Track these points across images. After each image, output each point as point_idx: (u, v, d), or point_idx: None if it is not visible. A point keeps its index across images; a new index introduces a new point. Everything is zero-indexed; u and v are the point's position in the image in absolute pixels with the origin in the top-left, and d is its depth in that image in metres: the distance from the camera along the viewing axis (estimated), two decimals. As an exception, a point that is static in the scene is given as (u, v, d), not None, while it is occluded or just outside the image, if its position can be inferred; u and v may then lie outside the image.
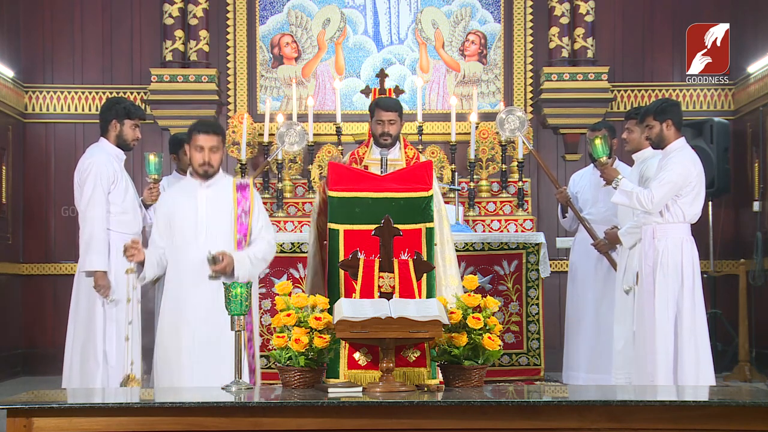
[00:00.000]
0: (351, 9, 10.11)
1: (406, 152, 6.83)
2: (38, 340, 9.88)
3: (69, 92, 10.07)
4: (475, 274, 6.30)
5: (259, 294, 7.09)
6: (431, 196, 5.74)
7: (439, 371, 4.87)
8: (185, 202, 5.59)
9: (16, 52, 9.92)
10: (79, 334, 6.41)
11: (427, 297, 5.26)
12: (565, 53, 9.94)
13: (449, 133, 9.03)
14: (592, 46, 9.95)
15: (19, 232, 9.91)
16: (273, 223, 8.60)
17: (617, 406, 4.21)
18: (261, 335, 7.84)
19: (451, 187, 8.71)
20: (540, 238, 8.13)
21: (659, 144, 6.47)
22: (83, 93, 10.06)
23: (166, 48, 9.89)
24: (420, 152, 8.82)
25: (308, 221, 7.80)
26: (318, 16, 10.11)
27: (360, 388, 4.55)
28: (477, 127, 9.06)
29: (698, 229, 6.94)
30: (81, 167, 6.50)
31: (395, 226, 4.95)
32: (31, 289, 9.93)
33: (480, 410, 4.18)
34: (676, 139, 6.42)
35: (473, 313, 4.71)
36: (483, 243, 8.10)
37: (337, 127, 9.17)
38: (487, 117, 9.60)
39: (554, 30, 9.95)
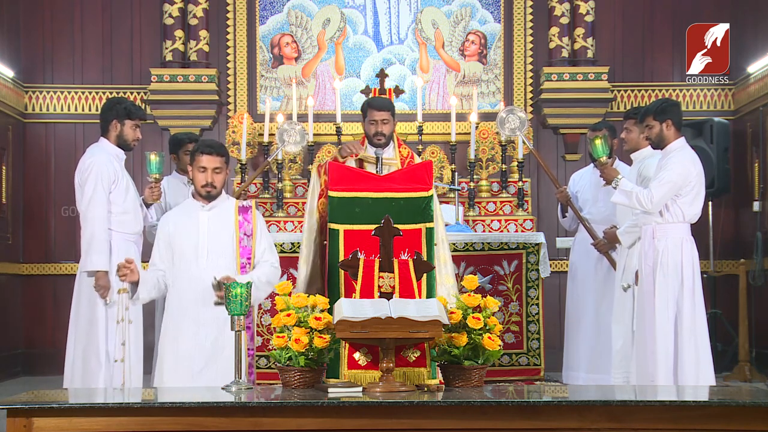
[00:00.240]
0: (351, 9, 10.11)
1: (400, 151, 6.83)
2: (38, 340, 9.87)
3: (69, 92, 10.06)
4: (475, 274, 6.31)
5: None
6: (431, 196, 5.75)
7: (439, 371, 4.88)
8: (186, 224, 5.56)
9: (16, 52, 9.92)
10: (81, 334, 6.41)
11: (427, 297, 5.27)
12: (565, 53, 9.93)
13: (449, 133, 9.02)
14: (592, 46, 9.94)
15: (19, 232, 9.90)
16: (273, 223, 8.70)
17: (617, 406, 4.21)
18: (261, 335, 7.87)
19: (451, 187, 8.71)
20: (540, 238, 8.13)
21: (659, 144, 6.47)
22: (83, 93, 10.06)
23: (166, 48, 9.88)
24: (419, 152, 8.87)
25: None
26: (318, 16, 10.11)
27: (360, 388, 4.54)
28: (477, 127, 9.05)
29: (698, 229, 6.94)
30: (81, 167, 6.51)
31: (395, 226, 4.95)
32: (31, 289, 9.92)
33: (480, 410, 4.18)
34: (676, 139, 6.43)
35: (473, 313, 4.72)
36: (483, 243, 8.11)
37: (337, 127, 9.17)
38: (487, 117, 9.60)
39: (554, 30, 9.94)
